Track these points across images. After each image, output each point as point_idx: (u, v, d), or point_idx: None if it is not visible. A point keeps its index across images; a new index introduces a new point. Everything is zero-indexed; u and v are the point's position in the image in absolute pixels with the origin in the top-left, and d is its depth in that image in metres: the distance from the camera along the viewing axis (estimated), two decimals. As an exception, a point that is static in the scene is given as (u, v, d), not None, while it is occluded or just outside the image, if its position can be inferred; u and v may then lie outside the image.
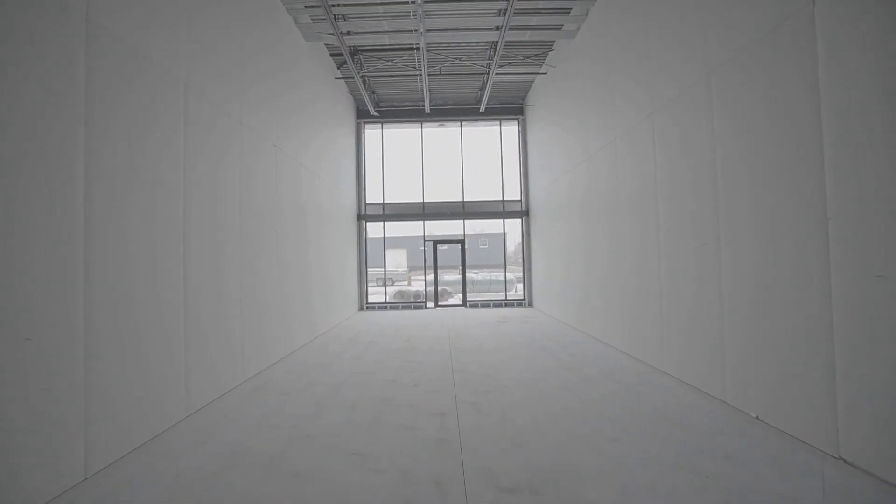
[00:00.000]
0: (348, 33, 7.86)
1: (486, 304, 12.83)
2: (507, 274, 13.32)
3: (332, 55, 9.47)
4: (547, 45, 9.30)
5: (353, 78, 9.88)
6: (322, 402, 4.20)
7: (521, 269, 13.04)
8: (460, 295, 13.21)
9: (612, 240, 6.47)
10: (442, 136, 13.18)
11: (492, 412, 3.81)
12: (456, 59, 9.53)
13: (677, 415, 3.64)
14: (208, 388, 4.22)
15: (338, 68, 9.94)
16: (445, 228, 13.25)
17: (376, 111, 11.81)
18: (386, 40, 8.11)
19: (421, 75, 9.83)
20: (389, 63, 9.63)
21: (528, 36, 8.06)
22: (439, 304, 13.04)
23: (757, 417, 3.44)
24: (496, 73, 9.89)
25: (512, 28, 7.68)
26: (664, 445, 3.06)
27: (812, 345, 2.95)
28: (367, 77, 10.36)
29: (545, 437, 3.24)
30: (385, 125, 12.90)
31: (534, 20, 7.48)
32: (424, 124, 12.90)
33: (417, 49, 8.99)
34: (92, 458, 2.76)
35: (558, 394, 4.29)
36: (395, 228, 13.41)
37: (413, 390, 4.52)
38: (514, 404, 4.00)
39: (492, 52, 9.10)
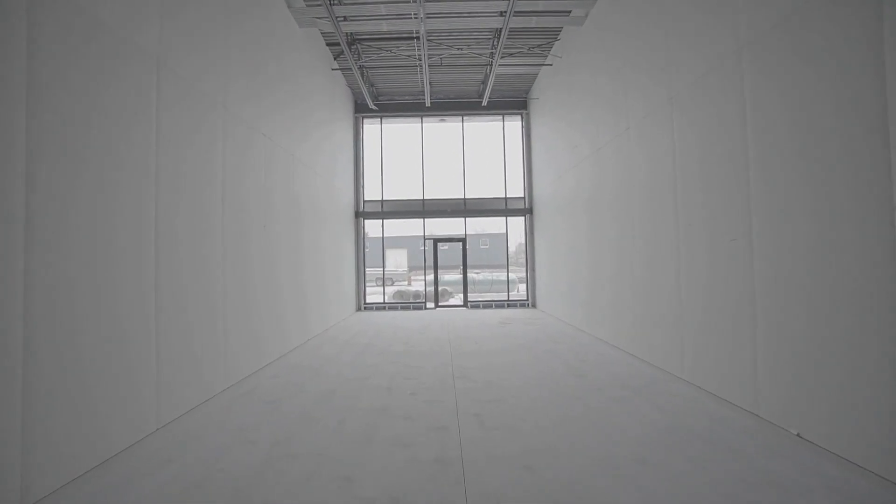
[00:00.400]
0: (344, 19, 7.47)
1: (487, 305, 12.43)
2: (510, 274, 12.92)
3: (328, 45, 9.08)
4: (553, 34, 8.90)
5: (350, 69, 9.50)
6: (310, 412, 3.81)
7: (524, 269, 12.63)
8: (461, 295, 12.81)
9: (621, 237, 6.07)
10: (443, 132, 12.78)
11: (497, 426, 3.40)
12: (458, 48, 9.13)
13: (706, 430, 3.24)
14: (185, 397, 3.82)
15: (335, 59, 9.55)
16: (446, 227, 12.85)
17: (375, 105, 11.41)
18: (384, 27, 7.72)
19: (421, 66, 9.44)
20: (388, 53, 9.23)
21: (533, 22, 7.66)
22: (439, 304, 12.64)
23: (798, 435, 3.03)
24: (499, 65, 9.50)
25: (517, 13, 7.28)
26: (697, 469, 2.65)
27: (870, 352, 2.55)
28: (366, 68, 9.96)
29: (559, 458, 2.84)
30: (384, 119, 12.50)
31: (540, 4, 7.07)
32: (425, 119, 12.50)
33: (418, 38, 8.60)
34: (30, 487, 2.36)
35: (570, 405, 3.88)
36: (395, 227, 13.00)
37: (410, 399, 4.12)
38: (522, 417, 3.60)
39: (495, 42, 8.70)
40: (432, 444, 3.09)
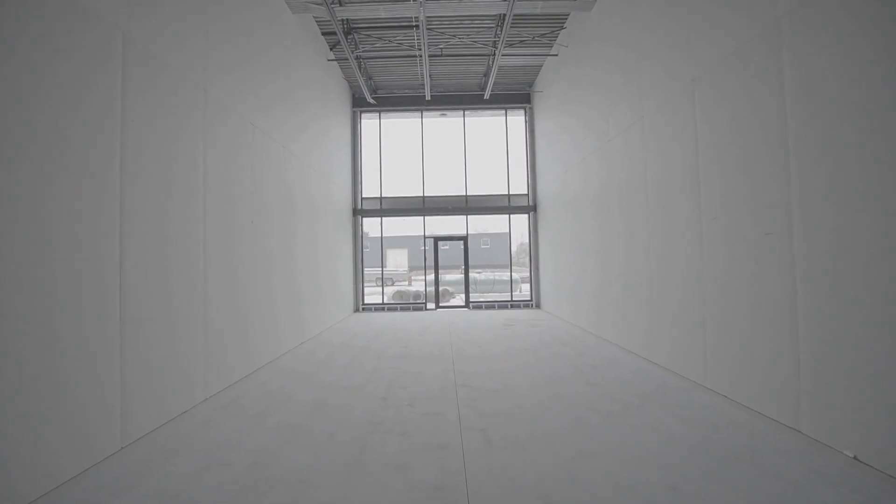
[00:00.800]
0: (339, 3, 7.08)
1: (490, 306, 12.04)
2: (512, 274, 12.52)
3: (324, 34, 8.70)
4: (559, 22, 8.51)
5: (347, 59, 9.11)
6: (296, 426, 3.42)
7: (528, 268, 12.25)
8: (462, 295, 12.42)
9: (633, 234, 5.67)
10: (443, 127, 12.39)
11: (506, 444, 3.02)
12: (459, 38, 8.74)
13: (743, 449, 2.85)
14: (156, 409, 3.44)
15: (331, 49, 9.17)
16: (447, 227, 12.46)
17: (373, 98, 11.02)
18: (381, 13, 7.33)
19: (421, 56, 9.05)
20: (387, 42, 8.85)
21: (539, 8, 7.27)
22: (440, 305, 12.25)
23: (855, 458, 2.64)
24: (502, 55, 9.10)
25: (522, -3, 6.89)
26: (740, 499, 2.26)
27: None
28: (363, 58, 9.58)
29: (579, 485, 2.45)
30: (383, 114, 12.11)
31: (546, -12, 6.70)
32: (425, 113, 12.11)
33: (417, 27, 8.22)
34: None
35: (585, 418, 3.49)
36: (395, 227, 12.63)
37: (408, 412, 3.73)
38: (533, 432, 3.21)
39: (498, 31, 8.32)
40: (432, 467, 2.70)
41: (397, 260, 21.94)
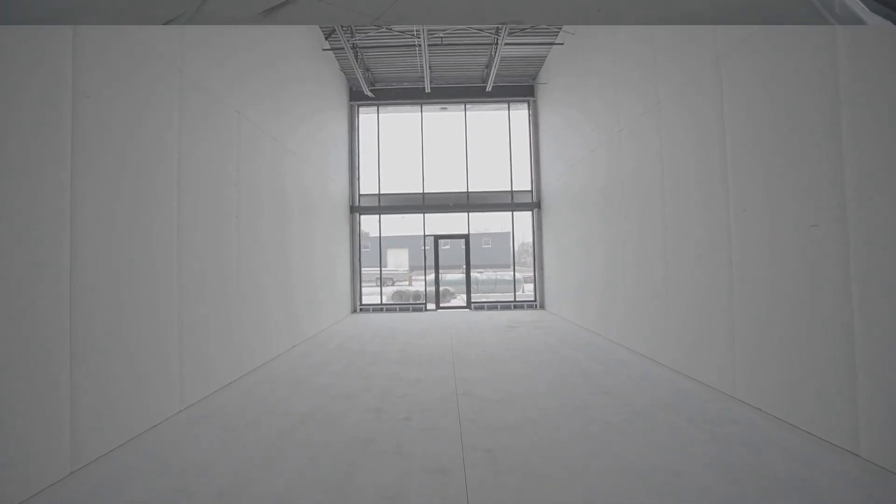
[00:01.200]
0: (333, -14, 6.68)
1: (492, 306, 11.62)
2: (515, 273, 12.10)
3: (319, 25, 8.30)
4: (565, 9, 8.09)
5: (343, 49, 8.71)
6: (276, 445, 3.02)
7: (531, 268, 11.83)
8: (463, 296, 12.00)
9: (645, 230, 5.26)
10: (444, 121, 11.98)
11: (514, 467, 2.61)
12: (460, 26, 8.33)
13: (795, 477, 2.43)
14: (118, 424, 3.04)
15: (326, 38, 8.78)
16: (448, 225, 12.04)
17: (371, 92, 10.62)
18: (378, -3, 6.92)
19: (420, 46, 8.65)
20: (384, 31, 8.44)
21: (545, -9, 6.85)
22: (441, 305, 11.83)
23: (934, 489, 2.23)
24: (505, 44, 8.69)
25: (527, -21, 6.48)
26: (807, 545, 1.86)
27: None
28: (360, 48, 9.18)
29: (606, 524, 2.04)
30: (381, 108, 11.70)
31: (553, -31, 6.28)
32: (424, 107, 11.70)
33: (416, 13, 7.81)
34: None
35: (604, 435, 3.09)
36: (396, 227, 12.21)
37: (404, 426, 3.33)
38: (545, 453, 2.81)
39: (501, 17, 7.90)
40: (429, 498, 2.30)
41: (398, 260, 21.58)
